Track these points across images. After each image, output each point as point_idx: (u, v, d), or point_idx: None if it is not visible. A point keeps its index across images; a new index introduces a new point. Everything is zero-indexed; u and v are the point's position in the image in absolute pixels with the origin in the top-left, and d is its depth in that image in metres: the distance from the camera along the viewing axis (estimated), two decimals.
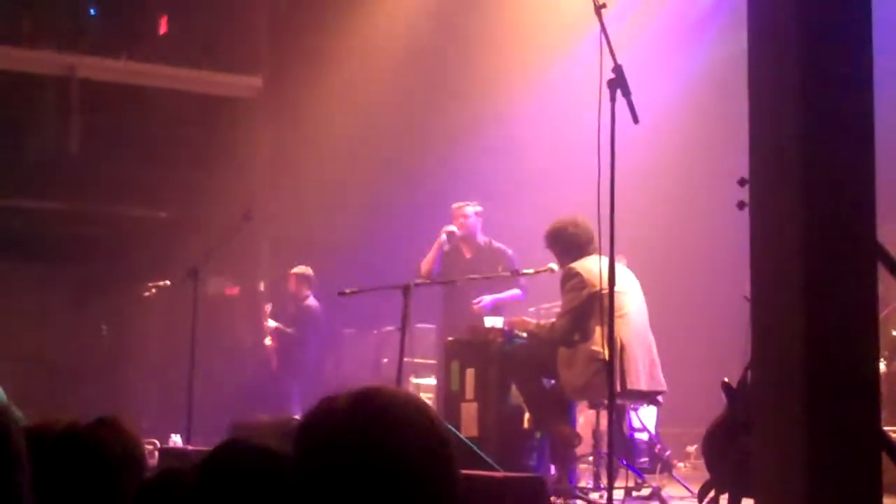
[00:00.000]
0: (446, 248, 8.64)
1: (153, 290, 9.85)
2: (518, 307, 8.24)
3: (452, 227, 8.64)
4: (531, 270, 7.02)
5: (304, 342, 10.64)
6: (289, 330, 10.74)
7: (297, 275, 10.74)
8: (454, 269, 8.47)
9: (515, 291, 8.38)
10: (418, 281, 7.09)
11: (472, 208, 8.70)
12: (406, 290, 6.91)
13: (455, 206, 8.78)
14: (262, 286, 12.05)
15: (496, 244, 8.65)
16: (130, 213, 12.20)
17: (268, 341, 10.77)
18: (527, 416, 6.97)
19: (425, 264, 8.63)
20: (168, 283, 9.57)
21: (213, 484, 2.09)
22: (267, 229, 11.97)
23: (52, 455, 2.59)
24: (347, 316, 10.93)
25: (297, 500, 1.80)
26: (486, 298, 8.26)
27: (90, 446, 2.53)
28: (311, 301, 10.72)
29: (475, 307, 8.18)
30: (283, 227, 11.96)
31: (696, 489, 5.58)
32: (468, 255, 8.64)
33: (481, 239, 8.67)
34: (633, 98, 5.07)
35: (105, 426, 2.62)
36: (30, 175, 11.83)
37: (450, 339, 7.45)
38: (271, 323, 10.90)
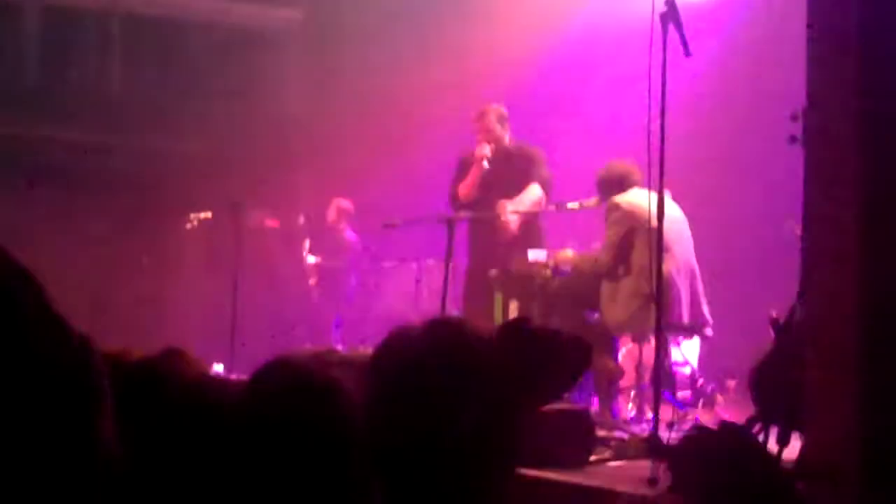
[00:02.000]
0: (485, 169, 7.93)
1: (194, 223, 9.90)
2: (561, 238, 8.06)
3: (486, 150, 7.89)
4: (576, 204, 7.02)
5: (343, 274, 10.71)
6: (327, 263, 10.82)
7: (335, 207, 10.80)
8: (480, 184, 7.88)
9: (534, 191, 7.72)
10: (462, 214, 7.08)
11: (492, 115, 7.94)
12: (450, 222, 6.93)
13: (475, 116, 8.02)
14: (301, 219, 12.08)
15: (525, 147, 7.97)
16: (171, 146, 12.22)
17: (311, 280, 10.85)
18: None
19: (465, 190, 7.92)
20: (209, 215, 9.62)
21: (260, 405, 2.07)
22: (307, 162, 11.98)
23: (128, 388, 2.61)
24: (387, 249, 10.95)
25: (372, 428, 1.80)
26: (508, 208, 7.66)
27: (167, 378, 2.54)
28: (349, 234, 10.78)
29: (503, 226, 7.66)
30: (323, 159, 11.96)
31: (738, 422, 5.59)
32: (498, 166, 7.91)
33: (509, 144, 7.97)
34: (685, 31, 5.04)
35: (176, 358, 2.62)
36: (72, 108, 11.86)
37: (493, 271, 7.46)
38: (310, 259, 10.97)
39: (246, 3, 12.79)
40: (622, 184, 6.81)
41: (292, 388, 2.07)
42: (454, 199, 7.96)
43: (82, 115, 11.88)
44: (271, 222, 12.16)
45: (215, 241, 9.99)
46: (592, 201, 7.04)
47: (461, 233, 7.92)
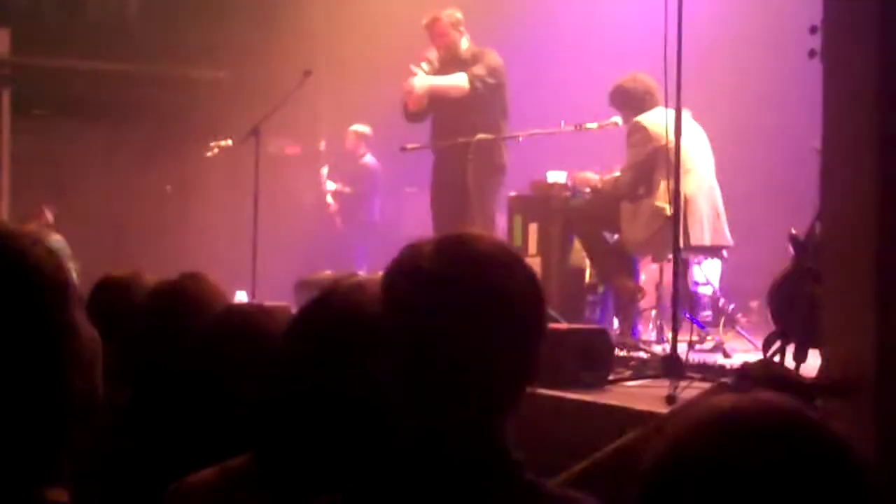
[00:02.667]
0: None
1: (215, 150, 9.88)
2: (577, 161, 7.94)
3: (431, 55, 7.47)
4: (595, 125, 6.95)
5: (364, 200, 10.71)
6: (347, 189, 10.81)
7: (354, 132, 10.78)
8: (444, 100, 7.41)
9: (457, 78, 7.31)
10: (480, 136, 7.01)
11: (444, 20, 7.45)
12: (467, 146, 6.88)
13: (425, 21, 7.51)
14: (322, 145, 12.05)
15: (480, 52, 7.43)
16: (191, 73, 12.19)
17: (329, 199, 10.85)
18: (589, 270, 6.99)
19: (413, 103, 7.51)
20: (230, 142, 9.59)
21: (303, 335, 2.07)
22: (327, 88, 11.91)
23: (146, 309, 2.61)
24: (409, 174, 10.92)
25: (386, 349, 1.79)
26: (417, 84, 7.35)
27: (182, 300, 2.53)
28: (369, 159, 10.76)
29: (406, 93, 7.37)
30: (343, 85, 11.89)
31: (759, 342, 5.58)
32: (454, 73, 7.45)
33: (466, 51, 7.47)
34: None
35: (193, 281, 2.62)
36: (90, 37, 11.83)
37: (512, 194, 7.42)
38: (330, 185, 10.97)
39: None
40: (646, 99, 6.72)
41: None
42: (404, 111, 7.64)
43: (102, 46, 11.84)
44: (292, 149, 12.16)
45: (236, 168, 9.98)
46: (612, 122, 6.97)
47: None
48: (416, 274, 1.77)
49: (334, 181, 11.02)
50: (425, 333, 1.73)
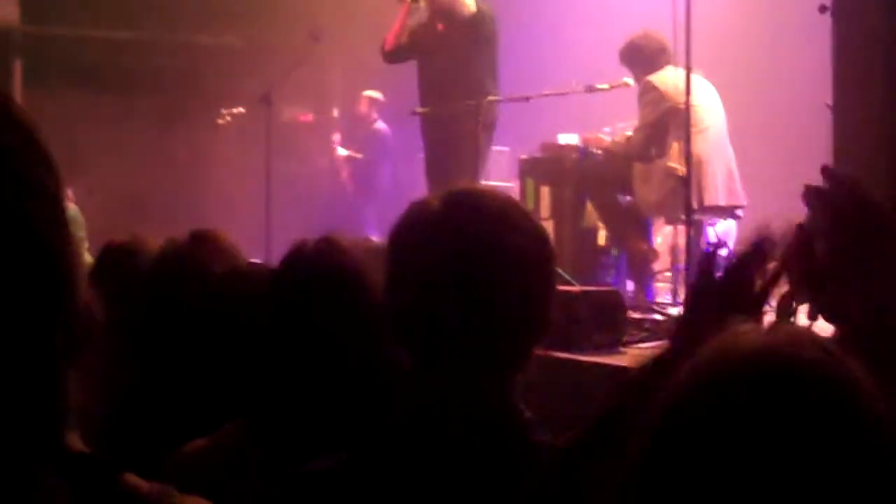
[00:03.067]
0: (412, 19, 7.27)
1: (227, 118, 9.88)
2: (588, 123, 7.83)
3: None
4: (606, 85, 6.89)
5: (376, 166, 10.69)
6: (359, 155, 10.79)
7: (366, 97, 10.74)
8: (425, 45, 7.23)
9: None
10: (490, 98, 6.95)
11: None
12: (476, 108, 6.83)
13: None
14: (335, 112, 12.02)
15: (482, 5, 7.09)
16: (200, 40, 12.14)
17: (343, 173, 10.84)
18: (603, 232, 6.96)
19: (389, 37, 7.31)
20: (242, 110, 9.58)
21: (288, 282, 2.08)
22: (339, 55, 11.86)
23: (154, 272, 2.58)
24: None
25: (391, 305, 1.78)
26: None
27: (192, 261, 2.50)
28: (380, 124, 10.74)
29: None
30: (355, 50, 11.84)
31: (775, 303, 5.55)
32: (441, 28, 7.22)
33: (459, 5, 7.16)
34: None
35: (204, 240, 2.58)
36: (100, 4, 11.79)
37: (523, 156, 7.37)
38: (341, 151, 10.95)
39: None
40: (658, 57, 6.63)
41: (312, 273, 2.07)
42: (381, 51, 7.43)
43: (112, 13, 11.80)
44: (304, 116, 12.13)
45: (248, 136, 9.95)
46: (623, 82, 6.91)
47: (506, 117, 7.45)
48: (423, 225, 1.76)
49: (346, 147, 11.00)
50: (430, 286, 1.72)
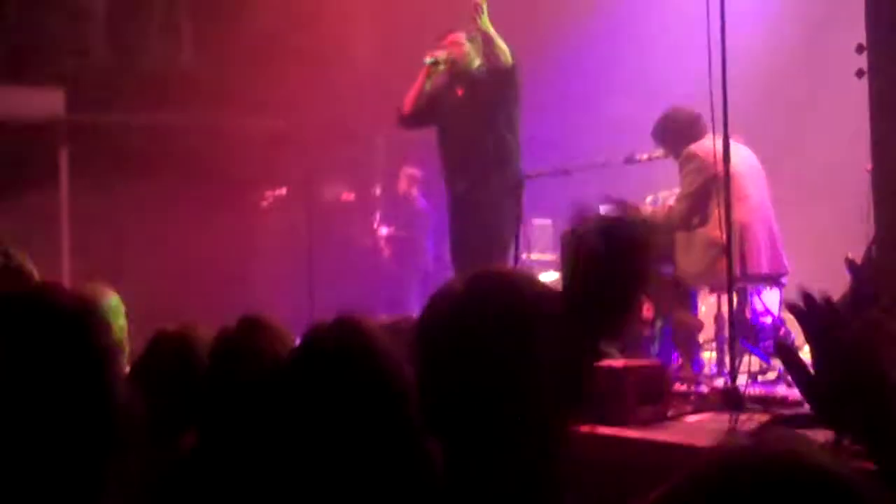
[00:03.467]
0: (429, 83, 7.14)
1: (270, 200, 9.95)
2: (629, 193, 7.74)
3: (440, 54, 7.06)
4: (645, 155, 6.87)
5: (418, 243, 10.70)
6: (401, 233, 10.82)
7: (406, 175, 10.80)
8: (443, 113, 7.12)
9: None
10: (530, 173, 6.94)
11: (464, 34, 7.12)
12: (518, 185, 6.82)
13: (442, 35, 7.20)
14: (377, 190, 12.08)
15: (493, 66, 6.94)
16: (244, 122, 12.27)
17: (385, 252, 10.86)
18: (646, 304, 6.89)
19: (408, 99, 7.19)
20: (284, 191, 9.65)
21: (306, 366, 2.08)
22: (380, 132, 11.95)
23: (211, 361, 2.58)
24: None
25: (424, 392, 1.78)
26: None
27: (246, 348, 2.50)
28: (421, 201, 10.77)
29: None
30: (395, 130, 11.92)
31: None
32: (460, 92, 7.16)
33: (476, 68, 7.10)
34: None
35: (255, 327, 2.58)
36: (143, 90, 11.96)
37: (564, 230, 7.32)
38: (383, 231, 10.98)
39: None
40: (692, 130, 6.62)
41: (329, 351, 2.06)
42: (397, 113, 7.28)
43: (156, 98, 11.97)
44: (347, 195, 12.19)
45: (292, 217, 10.01)
46: (661, 152, 6.89)
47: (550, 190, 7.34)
48: (449, 312, 1.76)
49: (387, 225, 11.03)
50: (461, 373, 1.71)
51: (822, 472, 1.01)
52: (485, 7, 6.79)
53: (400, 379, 1.90)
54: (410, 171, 10.80)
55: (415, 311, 7.20)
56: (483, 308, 1.73)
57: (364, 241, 11.58)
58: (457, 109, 7.09)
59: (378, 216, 11.19)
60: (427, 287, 10.27)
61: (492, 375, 1.69)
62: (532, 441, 1.71)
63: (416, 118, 7.25)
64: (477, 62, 7.10)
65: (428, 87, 7.11)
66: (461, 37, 7.11)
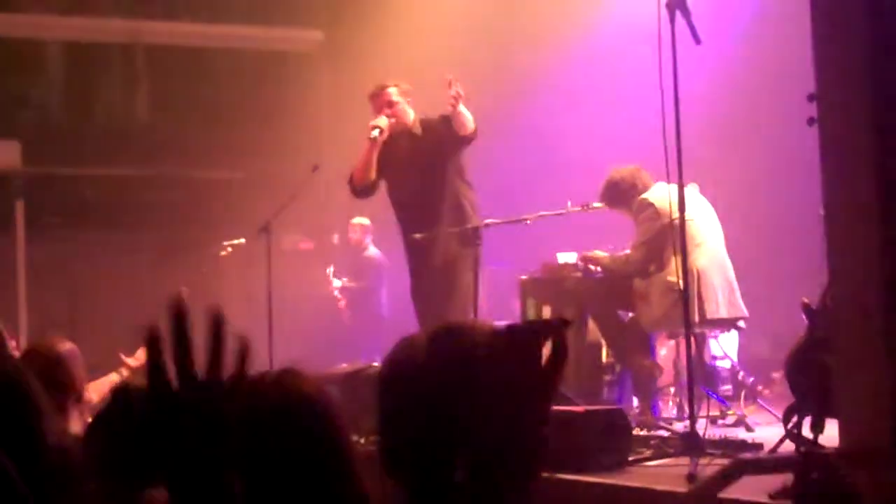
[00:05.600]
0: (376, 150, 7.05)
1: (229, 249, 9.92)
2: (586, 241, 7.81)
3: (381, 121, 7.01)
4: (601, 203, 6.94)
5: (371, 293, 10.71)
6: (353, 284, 10.83)
7: (356, 225, 10.84)
8: (390, 168, 7.13)
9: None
10: (488, 221, 6.97)
11: (394, 89, 7.12)
12: (474, 231, 6.86)
13: (372, 92, 7.18)
14: (335, 238, 12.09)
15: (430, 117, 7.04)
16: (200, 175, 12.27)
17: (341, 303, 10.85)
18: (605, 350, 6.94)
19: (358, 173, 7.14)
20: (243, 240, 9.63)
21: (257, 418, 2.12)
22: (336, 183, 11.98)
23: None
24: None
25: (385, 440, 1.80)
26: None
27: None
28: (372, 250, 10.80)
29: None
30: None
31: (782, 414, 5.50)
32: (405, 145, 7.14)
33: (415, 122, 7.14)
34: (694, 19, 4.98)
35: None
36: (100, 143, 11.96)
37: (523, 277, 7.37)
38: (336, 283, 10.99)
39: (267, 27, 12.82)
40: (636, 187, 6.76)
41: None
42: (349, 184, 7.28)
43: (112, 151, 11.96)
44: (305, 244, 12.19)
45: (250, 266, 9.99)
46: None
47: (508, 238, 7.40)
48: (411, 362, 1.78)
49: (340, 276, 11.04)
50: (421, 421, 1.73)
51: None
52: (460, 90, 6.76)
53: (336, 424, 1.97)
54: (360, 220, 10.85)
55: (372, 359, 7.17)
56: (442, 362, 1.76)
57: (322, 289, 11.57)
58: (402, 163, 7.12)
59: (332, 269, 11.18)
60: (382, 335, 10.24)
61: (448, 428, 1.72)
62: (489, 495, 1.73)
63: (367, 189, 7.29)
64: (412, 115, 7.15)
65: (374, 156, 7.12)
66: (393, 93, 7.13)
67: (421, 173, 7.06)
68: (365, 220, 10.82)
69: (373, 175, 7.14)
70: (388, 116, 7.04)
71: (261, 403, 2.06)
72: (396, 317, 10.46)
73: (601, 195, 6.90)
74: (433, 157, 7.02)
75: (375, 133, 6.98)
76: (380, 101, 7.13)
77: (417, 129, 7.13)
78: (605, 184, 6.91)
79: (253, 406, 2.07)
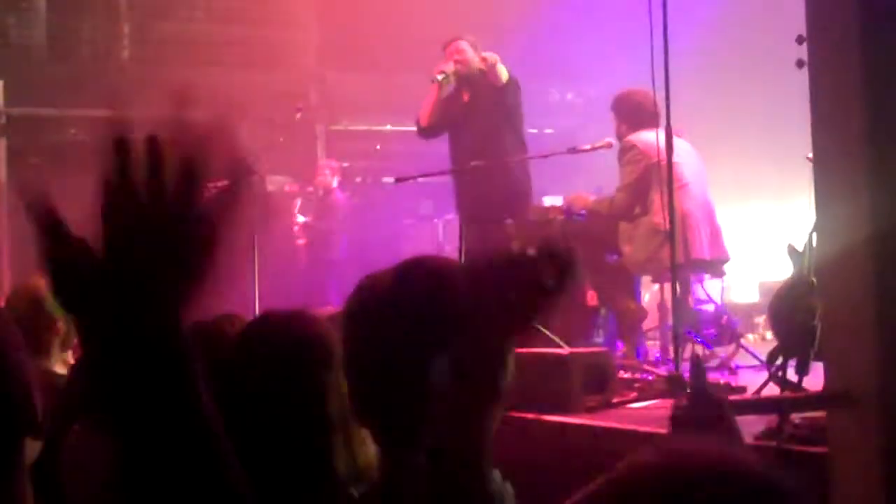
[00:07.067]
0: (444, 93, 7.58)
1: (213, 192, 9.87)
2: (573, 185, 7.88)
3: (448, 67, 7.48)
4: (588, 146, 6.92)
5: (331, 234, 10.67)
6: (317, 224, 10.81)
7: (325, 166, 10.81)
8: (454, 117, 7.58)
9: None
10: (475, 163, 6.96)
11: (464, 42, 7.56)
12: (461, 174, 6.84)
13: (445, 42, 7.64)
14: (288, 185, 12.04)
15: (492, 78, 7.39)
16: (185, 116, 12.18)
17: (299, 241, 10.84)
18: (590, 293, 6.94)
19: (424, 117, 7.63)
20: (227, 183, 9.58)
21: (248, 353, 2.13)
22: (321, 125, 11.93)
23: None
24: (409, 206, 10.89)
25: (349, 371, 1.81)
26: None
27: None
28: (337, 194, 10.76)
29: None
30: (338, 121, 11.90)
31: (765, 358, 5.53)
32: (466, 98, 7.62)
33: (478, 72, 7.49)
34: None
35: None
36: (82, 84, 11.85)
37: (509, 221, 7.36)
38: (300, 218, 10.96)
39: None
40: (645, 121, 6.66)
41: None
42: (417, 126, 7.74)
43: (95, 92, 11.86)
44: (291, 187, 12.14)
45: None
46: (604, 142, 6.95)
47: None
48: (374, 304, 1.78)
49: (304, 214, 11.04)
50: (386, 362, 1.73)
51: (747, 470, 1.01)
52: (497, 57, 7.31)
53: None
54: (330, 163, 10.83)
55: (332, 301, 7.14)
56: (412, 293, 1.75)
57: (280, 230, 11.52)
58: (465, 114, 7.51)
59: (298, 203, 11.16)
60: (336, 279, 10.18)
61: (410, 363, 1.71)
62: (455, 429, 1.70)
63: (433, 130, 7.67)
64: (477, 64, 7.47)
65: (442, 96, 7.56)
66: (462, 44, 7.53)
67: (480, 123, 7.41)
68: (335, 163, 10.82)
69: (436, 116, 7.56)
70: (455, 64, 7.44)
71: (275, 341, 2.08)
72: (353, 263, 10.40)
73: (615, 97, 6.95)
74: (490, 110, 7.40)
75: (440, 76, 7.41)
76: (451, 51, 7.53)
77: (479, 80, 7.44)
78: (624, 91, 6.92)
79: (266, 342, 2.09)
